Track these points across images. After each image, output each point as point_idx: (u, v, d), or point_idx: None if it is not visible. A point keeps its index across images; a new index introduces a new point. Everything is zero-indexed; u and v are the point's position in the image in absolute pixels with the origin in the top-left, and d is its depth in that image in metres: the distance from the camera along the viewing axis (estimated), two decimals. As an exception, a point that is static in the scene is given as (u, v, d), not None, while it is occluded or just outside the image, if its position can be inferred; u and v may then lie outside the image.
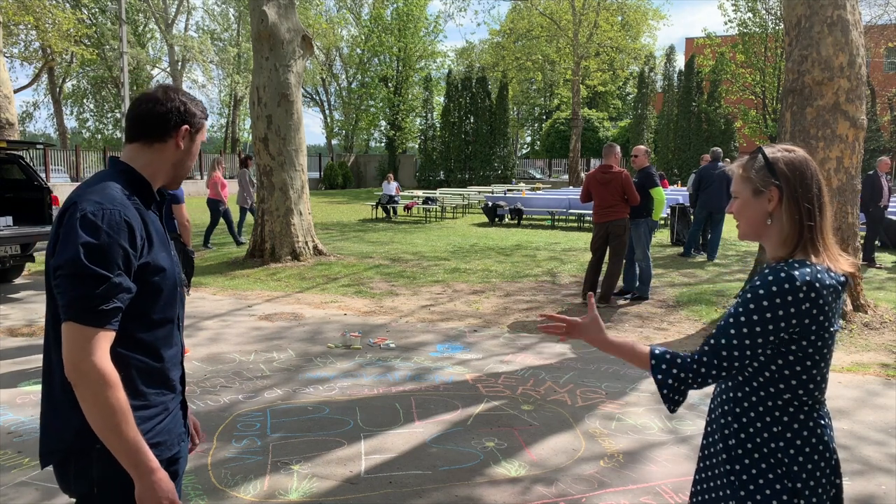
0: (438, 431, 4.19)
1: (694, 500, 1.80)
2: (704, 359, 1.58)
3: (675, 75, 34.44)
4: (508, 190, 23.32)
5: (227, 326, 6.80)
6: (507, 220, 18.33)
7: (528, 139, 63.31)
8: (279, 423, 4.29)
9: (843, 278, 1.60)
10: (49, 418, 1.64)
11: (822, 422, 1.64)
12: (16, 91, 25.65)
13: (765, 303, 1.54)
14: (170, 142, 1.73)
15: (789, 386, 1.59)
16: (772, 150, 1.67)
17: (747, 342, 1.55)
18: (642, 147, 8.30)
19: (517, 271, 10.13)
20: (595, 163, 37.39)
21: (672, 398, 1.63)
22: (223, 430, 4.20)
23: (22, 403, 4.63)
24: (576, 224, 17.55)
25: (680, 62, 36.30)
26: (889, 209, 12.07)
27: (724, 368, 1.58)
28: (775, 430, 1.61)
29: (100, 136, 40.41)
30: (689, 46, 41.47)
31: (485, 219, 18.84)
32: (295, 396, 4.81)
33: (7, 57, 22.19)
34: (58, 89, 37.11)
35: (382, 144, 43.92)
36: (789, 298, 1.52)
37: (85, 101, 39.68)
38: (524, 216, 18.18)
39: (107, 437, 1.52)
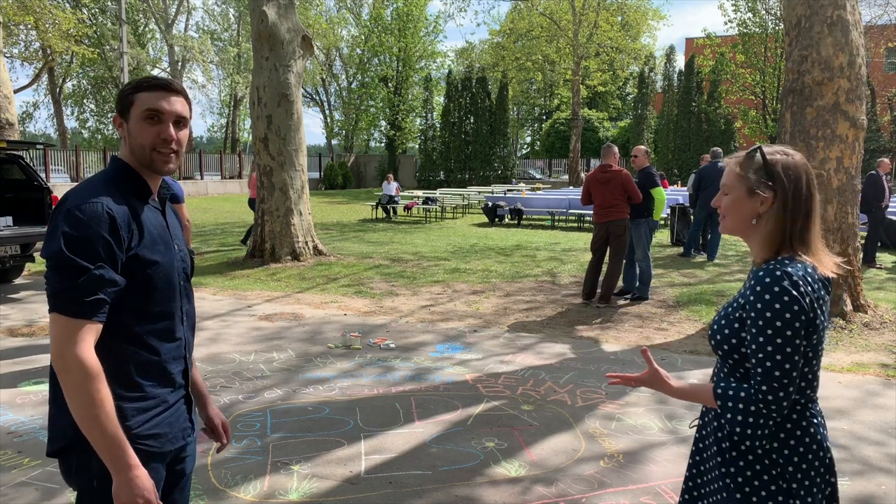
0: (438, 431, 4.18)
1: (685, 497, 1.80)
2: (764, 387, 1.54)
3: (675, 75, 34.45)
4: (508, 190, 23.32)
5: (226, 326, 6.80)
6: (507, 220, 18.33)
7: (528, 139, 63.35)
8: (279, 424, 4.29)
9: (828, 275, 1.63)
10: (53, 411, 1.67)
11: (815, 420, 1.64)
12: (16, 91, 25.65)
13: (777, 305, 1.53)
14: (119, 131, 1.75)
15: None
16: (771, 152, 1.66)
17: (789, 350, 1.53)
18: (642, 147, 8.31)
19: (517, 271, 10.13)
20: (595, 163, 37.41)
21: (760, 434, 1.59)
22: (223, 430, 4.20)
23: (22, 403, 4.63)
24: (576, 224, 17.55)
25: (680, 62, 36.32)
26: (889, 209, 12.07)
27: (787, 388, 1.54)
28: (767, 430, 1.61)
29: (100, 136, 40.45)
30: (689, 46, 41.47)
31: (485, 219, 18.84)
32: (295, 396, 4.81)
33: (7, 57, 22.19)
34: (58, 89, 37.10)
35: (382, 144, 43.93)
36: (794, 294, 1.53)
37: (85, 101, 39.69)
38: (524, 216, 18.18)
39: (86, 428, 1.54)
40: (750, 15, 28.94)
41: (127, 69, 21.68)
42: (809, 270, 1.59)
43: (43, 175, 17.56)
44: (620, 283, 8.15)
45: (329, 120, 43.75)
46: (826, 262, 1.63)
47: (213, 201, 26.28)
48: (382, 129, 43.14)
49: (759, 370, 1.54)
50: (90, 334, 1.55)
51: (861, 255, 7.53)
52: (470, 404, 4.66)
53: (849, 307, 6.86)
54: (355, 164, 41.12)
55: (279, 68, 10.64)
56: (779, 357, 1.52)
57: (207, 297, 8.21)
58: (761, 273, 1.60)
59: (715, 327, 1.69)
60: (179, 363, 1.78)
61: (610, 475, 3.62)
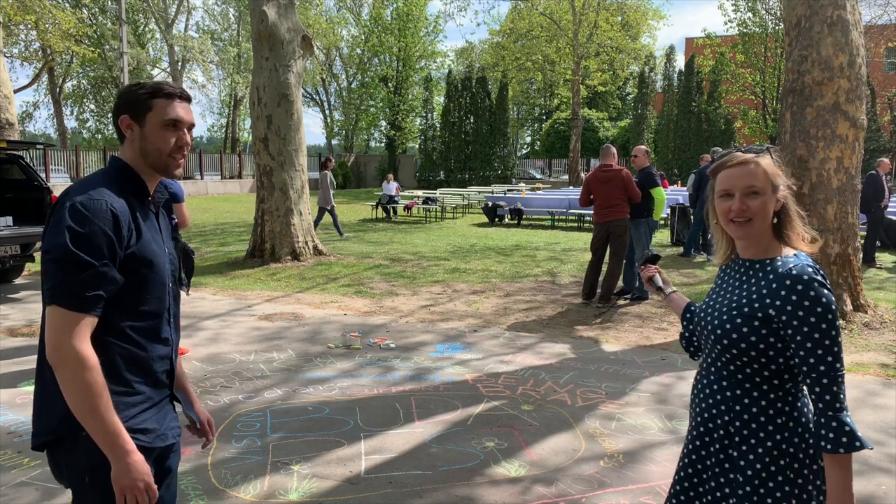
0: (438, 431, 4.19)
1: (678, 487, 1.79)
2: (835, 388, 1.53)
3: (675, 75, 34.46)
4: (508, 190, 23.32)
5: (226, 326, 6.80)
6: (506, 220, 18.33)
7: (528, 139, 63.32)
8: (279, 423, 4.29)
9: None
10: (38, 404, 1.68)
11: (806, 409, 1.65)
12: (16, 91, 25.65)
13: (824, 300, 1.54)
14: (127, 132, 1.76)
15: (773, 374, 1.62)
16: (774, 151, 1.69)
17: (841, 340, 1.56)
18: (642, 147, 8.31)
19: (517, 271, 10.13)
20: (595, 163, 37.39)
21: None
22: (223, 430, 4.20)
23: (22, 403, 4.63)
24: (576, 224, 17.55)
25: (680, 62, 36.32)
26: (889, 209, 12.07)
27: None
28: (762, 419, 1.62)
29: (100, 136, 40.44)
30: (689, 46, 41.46)
31: (485, 219, 18.84)
32: (295, 396, 4.81)
33: (7, 57, 22.19)
34: (58, 89, 37.10)
35: (382, 144, 43.91)
36: (828, 291, 1.56)
37: (85, 101, 39.68)
38: (524, 216, 18.18)
39: (84, 418, 1.55)
40: (750, 15, 28.96)
41: (127, 69, 21.66)
42: (813, 261, 1.63)
43: (43, 175, 17.55)
44: (620, 283, 8.15)
45: (329, 120, 43.75)
46: (802, 244, 1.67)
47: (213, 201, 26.28)
48: (382, 129, 43.14)
49: (826, 371, 1.51)
50: (87, 328, 1.57)
51: (861, 255, 7.52)
52: (470, 404, 4.66)
53: (849, 307, 6.86)
54: (355, 164, 41.12)
55: (279, 68, 10.64)
56: (836, 350, 1.53)
57: (207, 297, 8.21)
58: (790, 272, 1.57)
59: (728, 326, 1.63)
60: (165, 363, 1.80)
61: (610, 475, 3.62)
